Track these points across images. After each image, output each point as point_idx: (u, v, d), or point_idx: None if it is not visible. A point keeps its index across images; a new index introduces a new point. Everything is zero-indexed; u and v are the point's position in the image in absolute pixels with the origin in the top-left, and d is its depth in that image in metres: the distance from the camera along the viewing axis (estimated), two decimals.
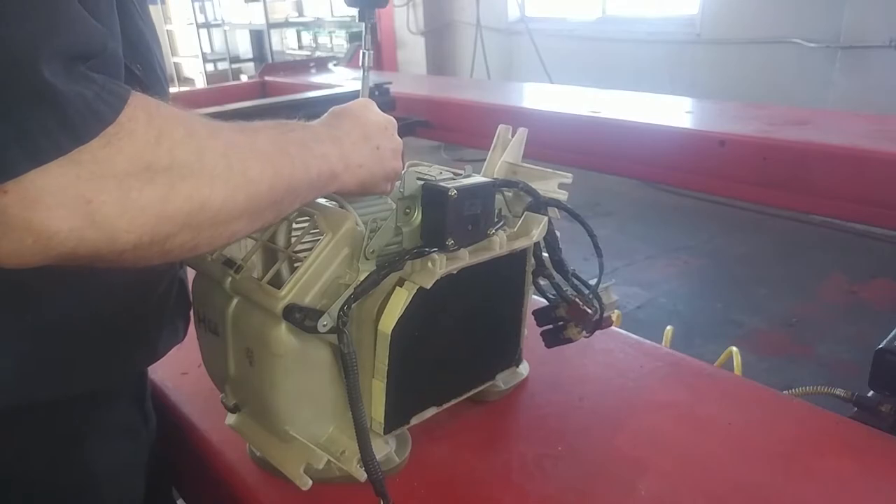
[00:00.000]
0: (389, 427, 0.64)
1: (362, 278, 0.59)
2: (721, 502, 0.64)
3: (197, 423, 0.78)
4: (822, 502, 0.64)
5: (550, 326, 0.79)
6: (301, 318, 0.56)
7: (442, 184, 0.61)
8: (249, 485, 0.68)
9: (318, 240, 0.60)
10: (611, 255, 3.15)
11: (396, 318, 0.59)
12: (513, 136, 0.80)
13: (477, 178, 0.64)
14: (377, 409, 0.63)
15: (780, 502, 0.64)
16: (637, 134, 2.30)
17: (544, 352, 0.81)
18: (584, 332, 0.77)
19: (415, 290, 0.60)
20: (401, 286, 0.61)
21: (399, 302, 0.59)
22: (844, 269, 2.88)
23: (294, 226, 0.66)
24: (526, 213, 0.73)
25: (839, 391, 0.91)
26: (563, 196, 0.74)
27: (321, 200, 0.63)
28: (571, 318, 0.76)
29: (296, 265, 0.60)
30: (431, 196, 0.61)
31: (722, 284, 2.91)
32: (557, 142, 2.55)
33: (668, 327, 1.04)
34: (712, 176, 2.14)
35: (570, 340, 0.78)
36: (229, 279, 0.61)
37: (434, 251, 0.60)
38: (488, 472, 0.68)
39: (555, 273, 0.76)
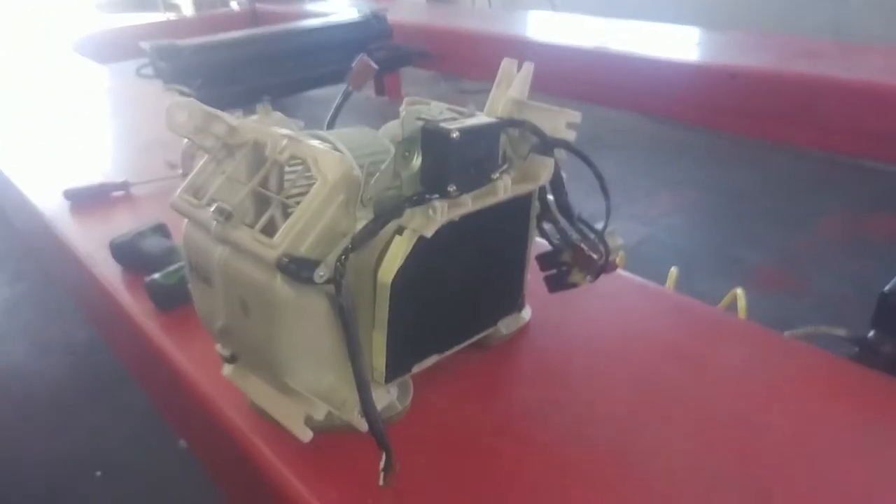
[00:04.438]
0: (391, 376, 0.63)
1: (360, 226, 0.56)
2: (720, 444, 0.64)
3: (195, 374, 0.77)
4: (822, 443, 0.64)
5: (554, 271, 0.77)
6: (296, 269, 0.54)
7: (443, 125, 0.57)
8: (250, 435, 0.68)
9: (313, 183, 0.57)
10: (613, 190, 3.10)
11: (396, 268, 0.57)
12: (518, 71, 0.75)
13: (480, 118, 0.61)
14: (378, 358, 0.61)
15: (783, 445, 0.64)
16: (644, 68, 2.22)
17: (546, 295, 0.79)
18: (588, 278, 0.75)
19: (415, 239, 0.57)
20: (400, 234, 0.58)
21: (399, 251, 0.57)
22: (845, 203, 2.85)
23: (287, 168, 0.63)
24: (531, 154, 0.69)
25: (841, 331, 0.90)
26: (570, 136, 0.71)
27: (314, 142, 0.60)
28: (576, 263, 0.74)
29: (289, 211, 0.57)
30: (431, 138, 0.57)
31: (725, 219, 2.88)
32: (562, 74, 2.47)
33: (673, 268, 1.02)
34: (721, 111, 2.08)
35: (574, 286, 0.76)
36: (220, 227, 0.58)
37: (435, 197, 0.57)
38: (490, 419, 0.68)
39: (560, 217, 0.73)
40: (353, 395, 0.59)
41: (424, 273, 0.60)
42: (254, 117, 1.51)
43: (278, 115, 1.54)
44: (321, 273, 0.55)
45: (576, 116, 0.71)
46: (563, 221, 0.73)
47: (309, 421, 0.61)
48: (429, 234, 0.57)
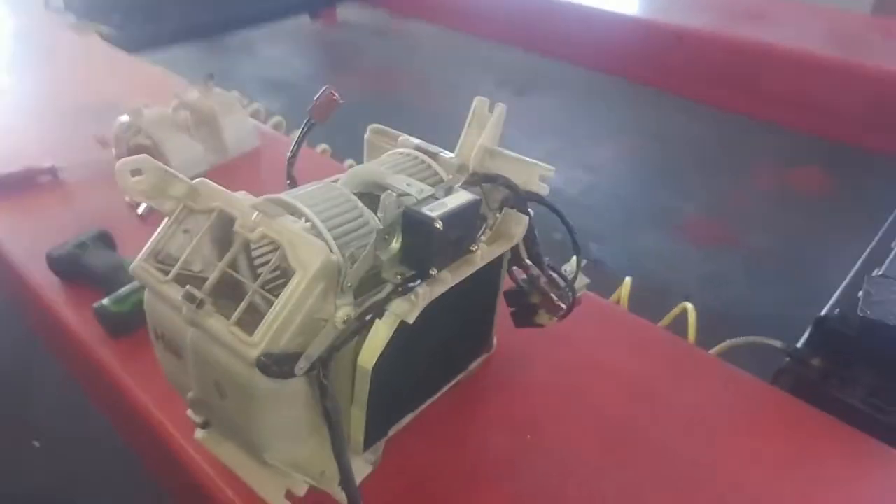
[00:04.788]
0: (368, 444, 0.63)
1: (340, 314, 0.55)
2: (682, 491, 0.69)
3: (162, 420, 0.75)
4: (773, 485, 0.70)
5: (521, 308, 0.78)
6: (277, 367, 0.52)
7: (426, 211, 0.55)
8: (226, 490, 0.68)
9: (285, 266, 0.55)
10: (554, 134, 3.10)
11: (378, 355, 0.56)
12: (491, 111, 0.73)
13: (461, 196, 0.59)
14: (356, 432, 0.61)
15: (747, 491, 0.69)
16: (593, 20, 2.18)
17: (509, 319, 0.80)
18: (555, 319, 0.76)
19: (397, 325, 0.57)
20: (380, 317, 0.57)
21: (380, 337, 0.56)
22: (775, 154, 2.96)
23: (253, 246, 0.60)
24: (505, 209, 0.69)
25: (776, 343, 0.96)
26: (544, 190, 0.70)
27: (288, 220, 0.57)
28: (543, 307, 0.75)
29: (265, 296, 0.55)
30: (414, 225, 0.55)
31: (663, 168, 2.95)
32: (505, 18, 2.40)
33: (627, 279, 1.05)
34: (669, 72, 2.09)
35: (540, 326, 0.77)
36: (191, 312, 0.56)
37: (417, 284, 0.56)
38: (461, 468, 0.70)
39: (529, 263, 0.73)
40: (331, 464, 0.59)
41: (403, 351, 0.59)
42: (194, 93, 1.41)
43: (218, 91, 1.44)
44: (302, 366, 0.54)
45: (549, 170, 0.70)
46: (532, 268, 0.73)
47: (289, 494, 0.61)
48: (411, 319, 0.56)
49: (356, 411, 0.60)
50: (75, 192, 1.19)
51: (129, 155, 1.35)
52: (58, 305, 0.92)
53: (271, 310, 0.53)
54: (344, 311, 0.55)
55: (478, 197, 0.60)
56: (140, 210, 1.11)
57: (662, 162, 3.00)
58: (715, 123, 3.28)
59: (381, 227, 0.55)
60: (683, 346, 0.88)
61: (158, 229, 0.62)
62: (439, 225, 0.54)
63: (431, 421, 0.74)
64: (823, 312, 0.90)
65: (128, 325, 0.85)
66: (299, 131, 0.75)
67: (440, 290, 0.58)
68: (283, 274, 0.57)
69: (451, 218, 0.56)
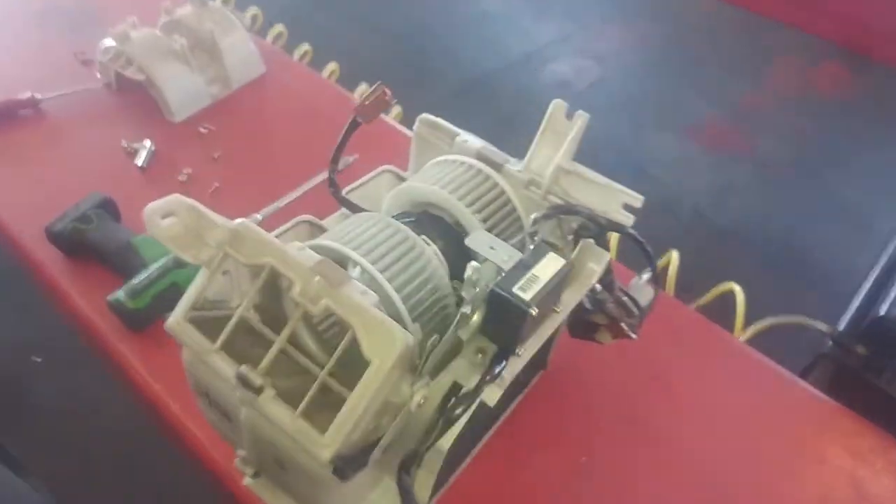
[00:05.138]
0: (432, 496, 0.61)
1: (417, 398, 0.50)
2: None
3: (189, 426, 0.71)
4: None
5: (580, 322, 0.73)
6: (352, 470, 0.48)
7: (519, 292, 0.48)
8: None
9: (354, 341, 0.48)
10: (564, 16, 2.86)
11: (455, 437, 0.52)
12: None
13: (553, 265, 0.50)
14: (422, 491, 0.58)
15: None
16: None
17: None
18: (616, 340, 0.72)
19: (476, 404, 0.51)
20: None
21: (460, 422, 0.51)
22: (797, 48, 2.78)
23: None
24: (582, 241, 0.61)
25: (821, 325, 0.94)
26: (627, 220, 0.62)
27: (358, 296, 0.49)
28: (609, 330, 0.70)
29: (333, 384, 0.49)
30: (504, 305, 0.48)
31: (677, 61, 2.77)
32: None
33: (673, 254, 0.98)
34: None
35: (599, 343, 0.73)
36: (249, 397, 0.49)
37: (502, 366, 0.50)
38: (514, 495, 0.68)
39: (600, 288, 0.67)
40: None
41: (474, 418, 0.55)
42: (185, 7, 1.24)
43: (213, 5, 1.27)
44: (376, 457, 0.50)
45: (637, 199, 0.61)
46: (602, 293, 0.67)
47: None
48: (493, 403, 0.51)
49: (425, 474, 0.57)
50: (62, 129, 1.06)
51: (118, 85, 1.20)
52: (67, 291, 0.84)
53: (344, 408, 0.47)
54: (420, 394, 0.50)
55: (569, 263, 0.52)
56: (139, 161, 0.99)
57: (678, 53, 2.81)
58: (732, 9, 3.05)
59: (467, 310, 0.48)
60: (749, 356, 0.83)
61: (196, 280, 0.54)
62: (534, 312, 0.47)
63: (486, 447, 0.71)
64: (884, 311, 0.88)
65: (146, 319, 0.78)
66: (341, 134, 0.64)
67: (522, 363, 0.53)
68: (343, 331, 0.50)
69: (544, 297, 0.49)
